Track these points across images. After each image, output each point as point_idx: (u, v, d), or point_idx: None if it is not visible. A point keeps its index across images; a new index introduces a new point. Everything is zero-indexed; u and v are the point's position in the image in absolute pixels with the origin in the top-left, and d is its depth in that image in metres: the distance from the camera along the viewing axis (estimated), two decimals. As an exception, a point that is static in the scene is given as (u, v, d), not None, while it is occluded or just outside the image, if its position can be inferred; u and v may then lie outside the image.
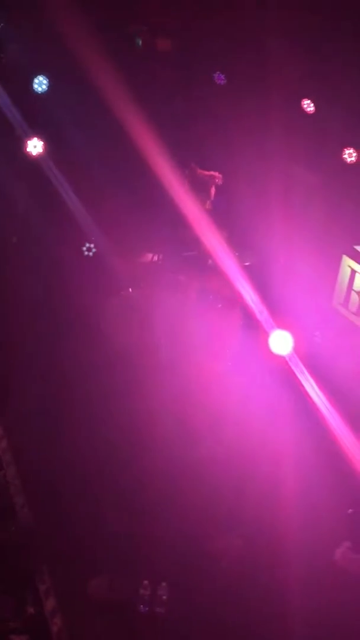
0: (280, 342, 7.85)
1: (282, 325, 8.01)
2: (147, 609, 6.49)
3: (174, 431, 7.74)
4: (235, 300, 8.85)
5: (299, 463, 7.20)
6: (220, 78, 11.09)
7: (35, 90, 10.57)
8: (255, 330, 8.31)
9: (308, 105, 10.66)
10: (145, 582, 6.56)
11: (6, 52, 10.68)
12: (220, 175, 10.12)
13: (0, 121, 10.26)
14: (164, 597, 6.53)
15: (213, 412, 7.92)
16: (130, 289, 9.81)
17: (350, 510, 7.01)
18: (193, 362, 8.47)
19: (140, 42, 10.86)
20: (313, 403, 7.47)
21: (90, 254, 10.08)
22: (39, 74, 10.50)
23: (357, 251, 8.93)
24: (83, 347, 8.66)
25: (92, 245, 10.04)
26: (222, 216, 9.88)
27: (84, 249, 10.04)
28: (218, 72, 11.19)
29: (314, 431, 7.36)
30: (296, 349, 7.75)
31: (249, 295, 8.55)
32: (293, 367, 7.70)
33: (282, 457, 7.27)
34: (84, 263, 9.59)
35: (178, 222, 9.53)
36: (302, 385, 7.60)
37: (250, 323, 8.42)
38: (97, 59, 9.43)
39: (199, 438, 7.71)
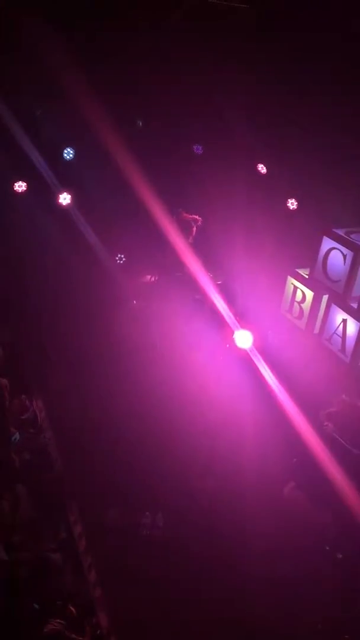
0: (243, 338, 7.85)
1: (244, 326, 8.01)
2: (147, 532, 6.48)
3: (167, 403, 7.72)
4: (210, 308, 8.81)
5: (257, 427, 7.18)
6: (198, 149, 11.08)
7: (65, 157, 10.54)
8: (224, 330, 8.29)
9: (262, 168, 10.66)
10: (147, 513, 6.55)
11: (44, 130, 10.66)
12: (200, 218, 10.10)
13: (39, 181, 10.21)
14: (160, 524, 6.53)
15: (194, 390, 7.89)
16: (134, 301, 9.79)
17: (294, 460, 7.02)
18: (180, 354, 8.44)
19: (140, 123, 10.84)
20: (267, 383, 7.45)
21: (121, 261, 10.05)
22: (68, 146, 10.48)
23: (298, 273, 8.93)
24: (102, 342, 8.60)
25: (122, 256, 9.94)
26: (200, 247, 9.86)
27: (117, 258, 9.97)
28: (196, 145, 11.18)
29: (268, 403, 7.32)
30: (254, 343, 7.75)
31: (220, 304, 8.52)
32: (252, 357, 7.68)
33: (244, 422, 7.27)
34: (102, 280, 9.51)
35: (169, 251, 9.52)
36: (259, 370, 7.58)
37: (221, 324, 8.36)
38: (109, 134, 9.44)
39: (185, 408, 7.67)
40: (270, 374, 7.41)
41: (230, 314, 8.29)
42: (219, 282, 9.59)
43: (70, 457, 7.14)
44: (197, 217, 10.09)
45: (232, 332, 7.99)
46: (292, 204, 10.26)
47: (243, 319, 8.22)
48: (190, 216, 10.07)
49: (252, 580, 5.92)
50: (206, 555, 6.16)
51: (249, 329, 7.89)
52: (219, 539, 6.29)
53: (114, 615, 5.62)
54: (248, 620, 5.63)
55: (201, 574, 5.99)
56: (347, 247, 8.18)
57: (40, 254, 9.95)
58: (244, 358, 7.72)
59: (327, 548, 6.30)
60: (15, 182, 9.90)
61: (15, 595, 4.97)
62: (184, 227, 9.95)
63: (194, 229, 10.09)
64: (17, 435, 6.75)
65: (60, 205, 10.05)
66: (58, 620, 4.99)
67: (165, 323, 8.87)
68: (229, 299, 8.68)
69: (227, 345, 8.13)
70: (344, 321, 8.11)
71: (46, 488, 6.50)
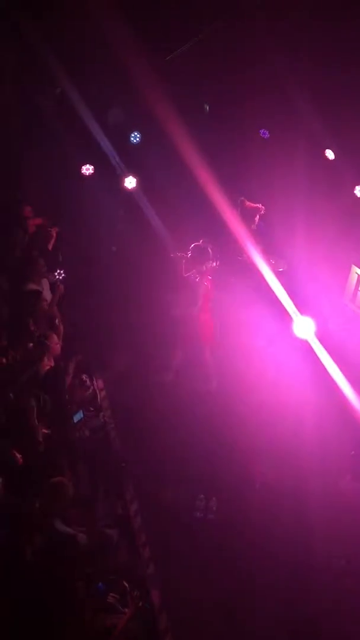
0: (303, 326, 7.63)
1: (304, 314, 7.80)
2: (201, 515, 6.51)
3: (227, 388, 7.68)
4: (269, 295, 8.57)
5: (316, 416, 7.07)
6: (264, 133, 10.87)
7: (132, 141, 10.60)
8: (284, 317, 8.10)
9: (329, 154, 10.36)
10: (201, 496, 6.57)
11: (112, 117, 10.78)
12: (262, 207, 9.91)
13: (106, 165, 10.31)
14: (214, 508, 6.54)
15: (253, 377, 7.79)
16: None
17: (352, 452, 6.88)
18: (239, 341, 8.35)
19: (207, 107, 10.76)
20: (328, 373, 7.28)
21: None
22: (135, 130, 10.54)
23: (362, 261, 8.70)
24: (166, 325, 8.48)
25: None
26: (263, 235, 9.71)
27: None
28: (263, 129, 10.97)
29: (328, 393, 7.19)
30: (316, 332, 7.56)
31: (280, 291, 8.31)
32: (313, 346, 7.50)
33: (303, 411, 7.17)
34: (163, 264, 9.46)
35: (232, 238, 9.37)
36: (320, 360, 7.41)
37: (281, 312, 8.18)
38: (175, 120, 9.41)
39: (245, 395, 7.59)
40: (332, 364, 7.22)
41: (290, 301, 8.08)
42: (280, 270, 9.42)
43: (128, 437, 7.23)
44: (260, 206, 9.91)
45: (292, 320, 7.82)
46: (359, 191, 9.96)
47: (303, 307, 8.03)
48: (254, 205, 9.90)
49: (302, 570, 5.88)
50: (259, 543, 6.13)
51: (309, 317, 7.70)
52: (273, 528, 6.24)
53: (166, 593, 5.69)
54: (296, 611, 5.56)
55: (253, 562, 5.97)
56: None
57: (107, 236, 10.05)
58: (304, 347, 7.54)
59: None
60: (83, 165, 10.02)
61: (72, 567, 5.09)
62: (247, 216, 9.81)
63: (257, 217, 9.93)
64: (80, 414, 6.88)
65: (126, 188, 10.10)
66: (112, 594, 5.09)
67: (227, 308, 8.74)
68: (290, 287, 8.49)
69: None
70: None
71: (104, 466, 6.61)
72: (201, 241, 8.25)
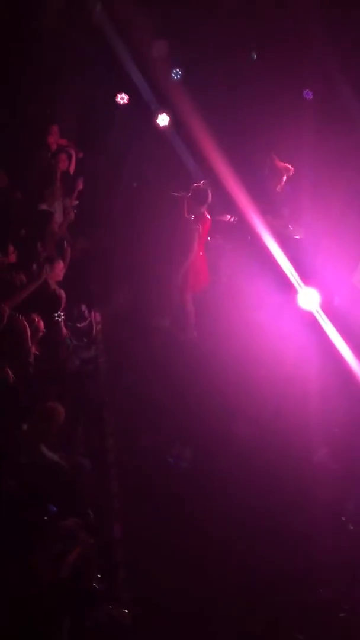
0: (308, 298, 7.50)
1: (310, 285, 7.58)
2: (172, 460, 6.58)
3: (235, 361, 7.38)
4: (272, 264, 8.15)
5: (322, 387, 6.98)
6: (308, 94, 10.47)
7: (173, 77, 10.21)
8: (289, 288, 7.85)
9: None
10: (177, 443, 6.63)
11: (157, 50, 10.35)
12: (292, 168, 9.63)
13: (142, 97, 9.97)
14: (187, 457, 6.61)
15: (256, 351, 7.47)
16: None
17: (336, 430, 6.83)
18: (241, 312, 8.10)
19: (254, 55, 10.36)
20: (333, 346, 7.17)
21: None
22: (178, 67, 10.14)
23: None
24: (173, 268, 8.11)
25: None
26: (287, 197, 9.44)
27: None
28: (307, 90, 10.56)
29: (333, 364, 7.05)
30: (321, 305, 7.43)
31: (285, 260, 7.98)
32: (318, 319, 7.36)
33: (309, 383, 7.04)
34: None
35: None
36: (325, 333, 7.29)
37: (285, 282, 7.90)
38: (221, 62, 9.06)
39: (250, 368, 7.30)
40: (338, 337, 7.12)
41: (295, 272, 7.82)
42: (297, 237, 9.24)
43: (118, 373, 7.21)
44: (289, 166, 9.64)
45: (296, 291, 7.62)
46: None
47: (310, 279, 7.78)
48: (283, 165, 9.63)
49: (264, 522, 5.92)
50: (228, 494, 6.17)
51: (315, 288, 7.53)
52: (243, 483, 6.29)
53: (128, 527, 5.78)
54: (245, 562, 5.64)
55: (218, 513, 6.04)
56: None
57: (129, 168, 9.78)
58: (309, 319, 7.41)
59: (344, 519, 6.25)
60: (119, 94, 9.71)
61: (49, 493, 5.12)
62: (275, 175, 9.54)
63: (284, 178, 9.66)
64: (70, 341, 6.87)
65: (157, 125, 9.80)
66: (75, 520, 5.16)
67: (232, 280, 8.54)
68: (303, 256, 8.28)
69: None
70: None
71: (89, 396, 6.63)
72: (202, 182, 8.06)
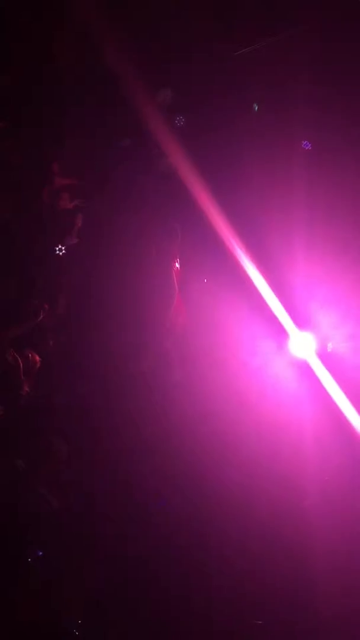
0: (301, 343, 7.27)
1: (303, 329, 7.33)
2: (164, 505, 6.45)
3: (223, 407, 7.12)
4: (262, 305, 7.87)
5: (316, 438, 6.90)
6: (307, 145, 10.66)
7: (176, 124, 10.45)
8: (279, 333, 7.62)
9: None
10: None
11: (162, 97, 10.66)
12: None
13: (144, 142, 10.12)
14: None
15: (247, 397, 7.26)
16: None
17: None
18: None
19: (256, 107, 10.65)
20: (329, 397, 6.95)
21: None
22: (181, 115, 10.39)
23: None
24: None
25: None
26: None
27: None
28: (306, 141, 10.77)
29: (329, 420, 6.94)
30: (316, 351, 7.26)
31: (275, 302, 7.67)
32: (312, 367, 7.18)
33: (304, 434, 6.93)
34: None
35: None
36: (320, 383, 7.10)
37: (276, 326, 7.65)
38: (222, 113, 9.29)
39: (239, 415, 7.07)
40: (334, 387, 6.96)
41: (286, 314, 7.51)
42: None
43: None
44: None
45: (287, 336, 7.39)
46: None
47: (302, 322, 7.57)
48: None
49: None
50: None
51: (310, 332, 7.35)
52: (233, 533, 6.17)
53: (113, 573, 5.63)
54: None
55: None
56: None
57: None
58: (302, 367, 7.27)
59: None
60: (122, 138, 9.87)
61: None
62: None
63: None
64: None
65: (159, 170, 9.94)
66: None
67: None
68: (291, 298, 7.83)
69: None
70: None
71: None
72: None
